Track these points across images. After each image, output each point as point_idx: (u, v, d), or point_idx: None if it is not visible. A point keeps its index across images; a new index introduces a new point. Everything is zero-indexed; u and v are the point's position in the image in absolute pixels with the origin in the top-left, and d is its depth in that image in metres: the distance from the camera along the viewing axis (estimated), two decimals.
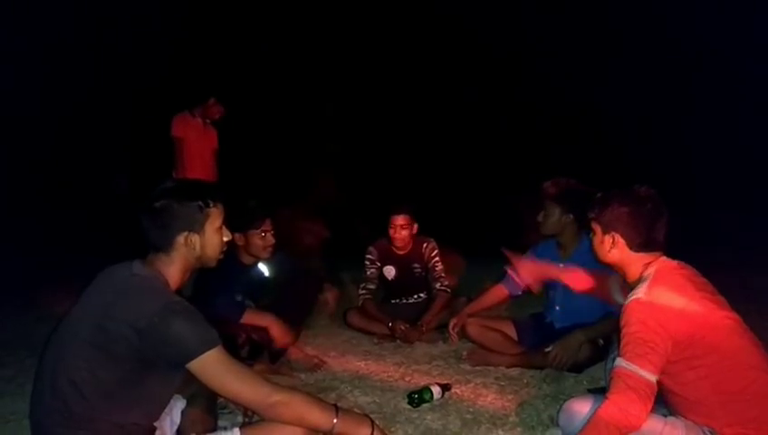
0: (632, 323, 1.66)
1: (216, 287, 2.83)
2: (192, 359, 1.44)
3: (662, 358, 1.62)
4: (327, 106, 9.83)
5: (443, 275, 3.75)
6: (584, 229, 2.76)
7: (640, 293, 1.69)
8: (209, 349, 1.45)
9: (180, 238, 1.59)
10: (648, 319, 1.64)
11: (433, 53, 10.18)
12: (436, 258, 3.77)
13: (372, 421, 1.63)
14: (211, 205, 1.63)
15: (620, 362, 1.65)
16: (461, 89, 10.35)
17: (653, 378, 1.61)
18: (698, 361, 1.65)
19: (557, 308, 3.09)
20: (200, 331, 1.46)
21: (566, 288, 2.98)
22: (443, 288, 3.72)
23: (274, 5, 9.37)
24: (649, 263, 1.79)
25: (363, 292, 3.81)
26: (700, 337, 1.63)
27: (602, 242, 1.87)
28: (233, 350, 2.88)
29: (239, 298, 3.05)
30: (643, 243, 1.79)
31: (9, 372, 3.06)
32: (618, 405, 1.59)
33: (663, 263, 1.78)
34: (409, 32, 9.98)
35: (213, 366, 1.45)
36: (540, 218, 3.01)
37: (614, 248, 1.83)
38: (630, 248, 1.81)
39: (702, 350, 1.64)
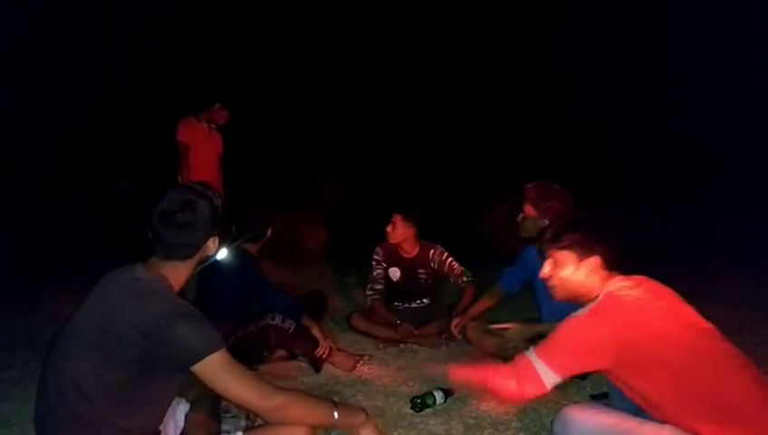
0: (570, 324, 1.69)
1: (264, 287, 3.11)
2: (197, 361, 1.45)
3: (579, 361, 1.67)
4: (333, 107, 9.85)
5: (463, 269, 3.77)
6: None
7: (594, 302, 1.71)
8: (213, 351, 1.46)
9: (206, 244, 1.63)
10: (590, 322, 1.66)
11: (436, 54, 10.22)
12: (449, 259, 3.79)
13: (364, 410, 1.71)
14: (221, 204, 1.66)
15: (530, 351, 1.71)
16: (463, 90, 10.38)
17: (554, 379, 1.65)
18: (650, 371, 1.63)
19: (545, 317, 3.11)
20: (205, 333, 1.48)
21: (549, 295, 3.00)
22: (468, 280, 3.72)
23: (281, 8, 9.41)
24: (606, 280, 1.79)
25: (371, 292, 3.82)
26: (652, 347, 1.61)
27: (578, 269, 1.81)
28: (259, 355, 3.03)
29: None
30: (614, 260, 1.79)
31: (14, 374, 3.08)
32: (500, 378, 1.71)
33: (619, 278, 1.78)
34: (414, 34, 10.01)
35: (217, 369, 1.47)
36: (519, 220, 3.01)
37: (592, 273, 1.80)
38: (605, 268, 1.79)
39: (651, 364, 1.62)
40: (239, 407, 2.02)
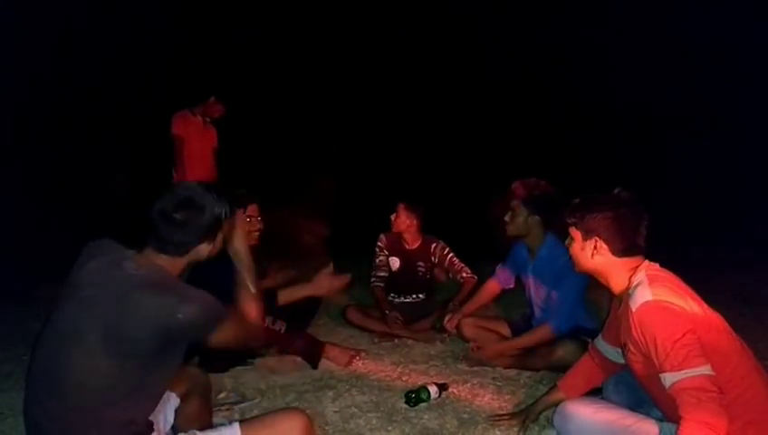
0: (658, 331, 1.58)
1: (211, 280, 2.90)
2: (212, 333, 1.54)
3: (700, 348, 1.55)
4: (330, 104, 9.81)
5: (463, 265, 3.82)
6: (550, 230, 2.89)
7: (646, 295, 1.63)
8: (221, 320, 1.56)
9: (199, 247, 1.61)
10: (672, 319, 1.58)
11: (435, 52, 10.20)
12: (450, 255, 3.85)
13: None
14: (227, 216, 1.64)
15: (675, 376, 1.54)
16: (463, 88, 10.37)
17: (708, 371, 1.52)
18: None
19: (536, 313, 3.12)
20: (213, 308, 1.54)
21: (538, 293, 3.02)
22: (469, 276, 3.77)
23: (277, 3, 9.37)
24: (635, 268, 1.75)
25: (374, 279, 3.89)
26: (704, 339, 1.59)
27: (583, 248, 1.82)
28: (253, 351, 3.02)
29: None
30: (626, 247, 1.76)
31: (7, 367, 3.07)
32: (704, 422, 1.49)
33: (649, 266, 1.75)
34: (413, 30, 9.99)
35: (226, 331, 1.59)
36: (507, 219, 2.95)
37: (597, 254, 1.79)
38: (614, 254, 1.77)
39: (705, 352, 1.58)
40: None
